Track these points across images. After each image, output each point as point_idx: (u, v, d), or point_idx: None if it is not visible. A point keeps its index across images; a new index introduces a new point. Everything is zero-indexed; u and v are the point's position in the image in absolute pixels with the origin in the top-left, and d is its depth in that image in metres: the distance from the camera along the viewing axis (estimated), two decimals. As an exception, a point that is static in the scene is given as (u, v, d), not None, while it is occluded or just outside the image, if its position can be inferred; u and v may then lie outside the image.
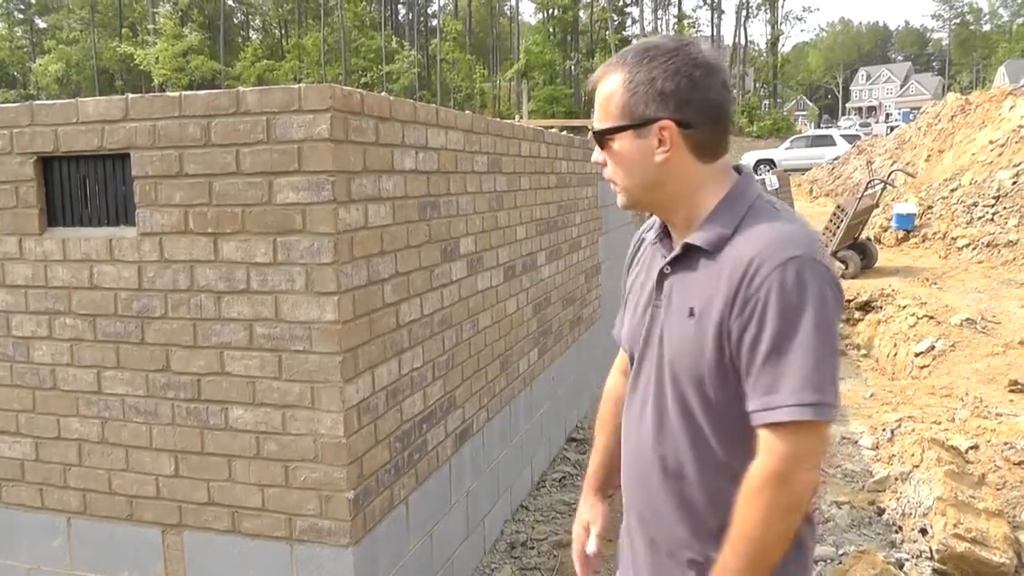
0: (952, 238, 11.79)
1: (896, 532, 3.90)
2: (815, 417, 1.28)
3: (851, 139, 28.90)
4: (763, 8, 71.99)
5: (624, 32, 64.59)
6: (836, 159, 24.87)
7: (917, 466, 4.25)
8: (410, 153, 2.89)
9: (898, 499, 4.10)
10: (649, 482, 1.52)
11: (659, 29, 66.06)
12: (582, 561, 1.76)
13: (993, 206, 11.84)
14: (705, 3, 72.94)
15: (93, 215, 2.70)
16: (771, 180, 14.93)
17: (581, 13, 67.31)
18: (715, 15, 73.56)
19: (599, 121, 1.46)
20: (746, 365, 1.34)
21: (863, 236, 11.54)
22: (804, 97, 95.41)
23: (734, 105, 1.66)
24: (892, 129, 29.32)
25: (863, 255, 11.00)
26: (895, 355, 7.78)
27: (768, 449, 1.31)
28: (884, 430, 5.17)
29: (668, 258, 1.49)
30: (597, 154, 1.50)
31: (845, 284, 8.57)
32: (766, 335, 1.30)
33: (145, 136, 2.52)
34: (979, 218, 11.81)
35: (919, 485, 3.97)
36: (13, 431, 2.85)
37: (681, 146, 1.41)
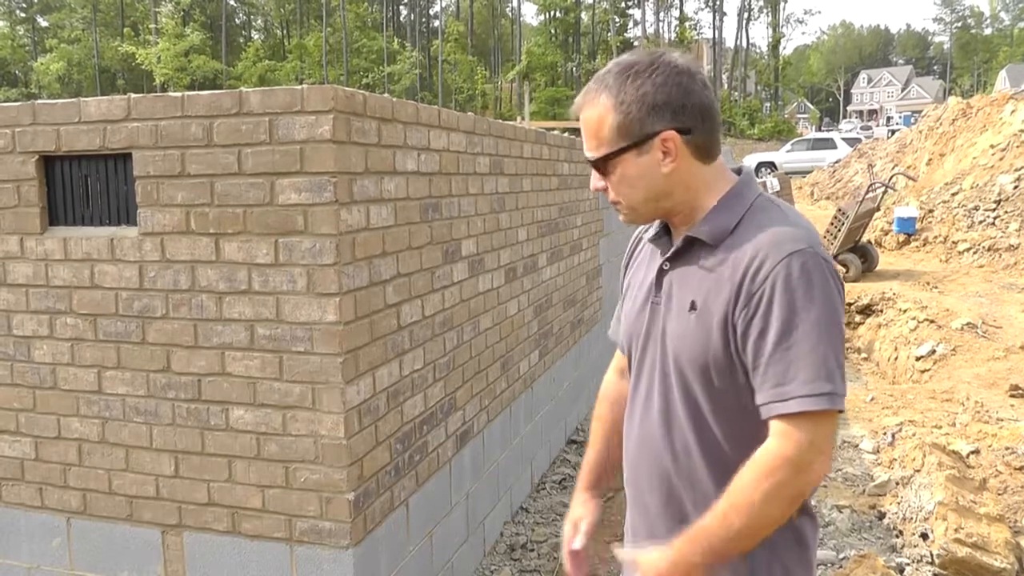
0: (953, 242, 11.78)
1: (897, 536, 3.89)
2: (829, 406, 1.30)
3: (852, 142, 28.94)
4: (764, 11, 72.09)
5: (626, 34, 64.62)
6: (837, 162, 24.88)
7: (918, 470, 4.24)
8: (412, 154, 2.88)
9: (899, 503, 4.09)
10: (659, 472, 1.51)
11: (661, 31, 66.00)
12: (571, 558, 1.74)
13: (994, 210, 11.83)
14: (707, 5, 72.97)
15: (94, 215, 2.70)
16: (772, 183, 14.95)
17: (583, 15, 67.36)
18: (717, 17, 73.59)
19: (593, 149, 1.44)
20: (753, 358, 1.35)
21: (864, 239, 11.54)
22: (805, 100, 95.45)
23: (718, 102, 1.67)
24: (893, 132, 29.36)
25: (864, 258, 10.99)
26: (896, 359, 7.77)
27: (784, 435, 1.31)
28: (885, 434, 5.17)
29: (668, 253, 1.50)
30: (596, 181, 1.49)
31: (846, 287, 8.55)
32: (773, 328, 1.32)
33: (147, 136, 2.52)
34: (980, 222, 11.80)
35: (920, 489, 3.96)
36: (13, 430, 2.85)
37: (685, 152, 1.42)
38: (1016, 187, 11.94)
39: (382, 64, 63.18)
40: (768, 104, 71.05)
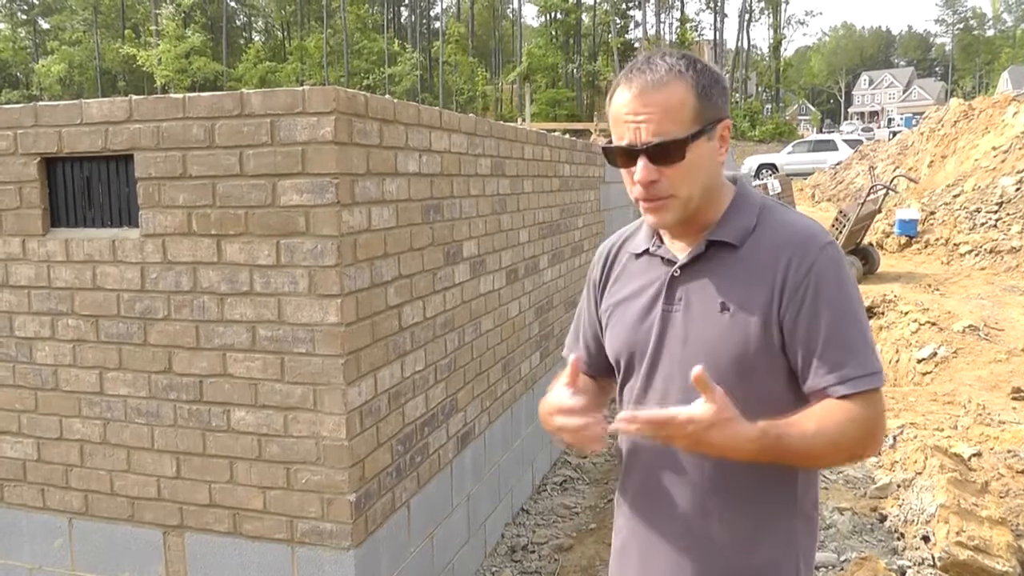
0: (955, 244, 11.78)
1: (898, 539, 3.89)
2: (881, 383, 1.38)
3: (853, 144, 28.92)
4: (765, 12, 72.15)
5: (627, 35, 64.67)
6: (838, 164, 24.87)
7: (920, 473, 4.24)
8: (413, 156, 2.89)
9: (900, 506, 4.09)
10: (686, 477, 1.47)
11: (661, 33, 66.03)
12: (571, 427, 1.40)
13: (996, 212, 11.83)
14: (708, 7, 72.97)
15: (96, 216, 2.70)
16: (773, 184, 14.94)
17: (584, 16, 67.41)
18: (718, 19, 73.54)
19: (664, 134, 1.35)
20: (806, 347, 1.37)
21: (865, 241, 11.54)
22: (806, 101, 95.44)
23: None
24: (895, 134, 29.33)
25: (865, 260, 10.99)
26: (897, 361, 7.76)
27: (866, 404, 1.35)
28: (886, 436, 5.16)
29: (684, 259, 1.47)
30: (649, 173, 1.37)
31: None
32: (824, 316, 1.36)
33: (149, 137, 2.52)
34: (982, 224, 11.79)
35: (922, 492, 3.96)
36: (15, 431, 2.85)
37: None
38: (1018, 189, 11.93)
39: (383, 65, 63.24)
40: (769, 106, 71.08)
